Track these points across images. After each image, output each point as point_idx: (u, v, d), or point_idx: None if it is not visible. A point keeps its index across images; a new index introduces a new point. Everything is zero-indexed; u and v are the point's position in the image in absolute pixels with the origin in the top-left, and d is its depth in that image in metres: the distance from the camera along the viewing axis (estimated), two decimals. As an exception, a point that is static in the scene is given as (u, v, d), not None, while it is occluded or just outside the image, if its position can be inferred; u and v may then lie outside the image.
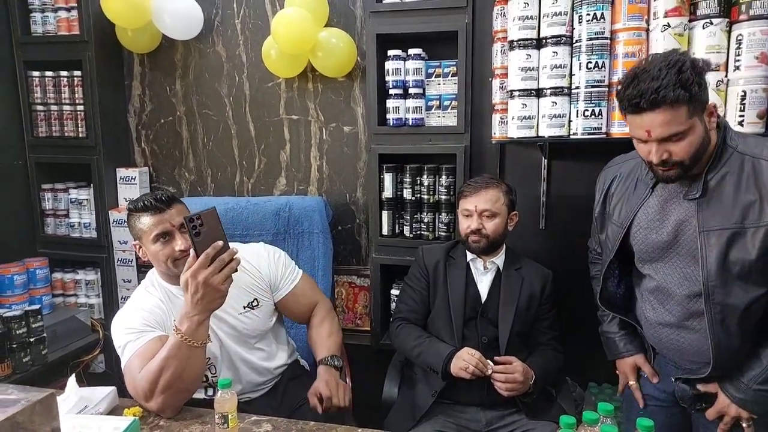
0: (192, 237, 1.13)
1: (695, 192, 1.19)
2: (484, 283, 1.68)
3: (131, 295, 1.49)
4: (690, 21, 1.55)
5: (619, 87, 1.15)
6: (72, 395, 1.23)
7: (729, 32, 1.52)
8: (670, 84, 1.05)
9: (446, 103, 1.97)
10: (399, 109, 1.96)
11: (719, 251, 1.16)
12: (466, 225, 1.65)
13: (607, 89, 1.63)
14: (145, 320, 1.35)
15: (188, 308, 1.19)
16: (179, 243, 1.36)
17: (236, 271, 1.20)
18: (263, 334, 1.57)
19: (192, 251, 1.16)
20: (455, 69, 1.93)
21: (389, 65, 1.94)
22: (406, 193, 2.02)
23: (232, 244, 1.25)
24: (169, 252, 1.36)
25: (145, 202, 1.38)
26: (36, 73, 2.32)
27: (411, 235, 2.04)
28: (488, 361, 1.52)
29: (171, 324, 1.35)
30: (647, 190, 1.29)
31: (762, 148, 1.15)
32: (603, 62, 1.61)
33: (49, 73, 2.31)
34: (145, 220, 1.37)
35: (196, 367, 1.24)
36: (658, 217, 1.27)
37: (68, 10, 2.25)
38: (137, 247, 1.43)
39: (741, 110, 1.49)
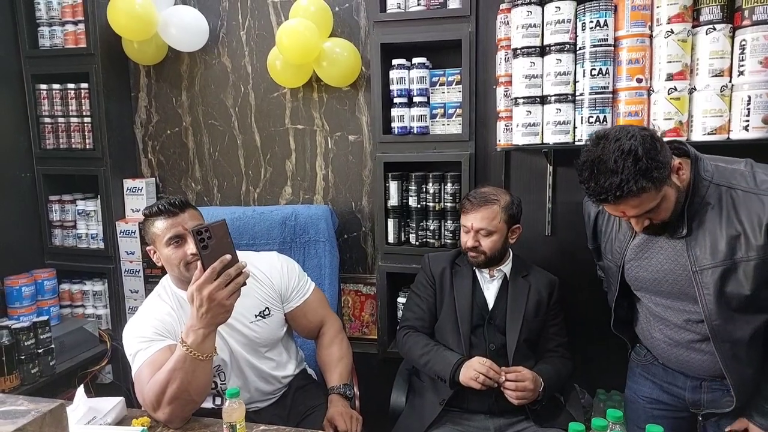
0: (199, 249, 1.11)
1: (682, 231, 1.21)
2: (491, 291, 1.68)
3: (144, 302, 1.49)
4: (693, 27, 1.55)
5: (579, 175, 1.17)
6: (81, 406, 1.24)
7: (732, 38, 1.52)
8: (630, 177, 1.07)
9: (451, 111, 1.98)
10: (404, 117, 1.97)
11: (716, 289, 1.17)
12: (464, 240, 1.66)
13: (611, 96, 1.63)
14: (155, 329, 1.36)
15: (194, 321, 1.18)
16: (191, 247, 1.35)
17: (245, 284, 1.19)
18: (274, 344, 1.57)
19: (199, 263, 1.15)
20: (459, 77, 1.94)
21: (393, 74, 1.95)
22: (412, 201, 2.03)
23: (242, 254, 1.23)
24: (182, 255, 1.37)
25: (159, 206, 1.40)
26: (43, 86, 2.34)
27: (417, 243, 2.04)
28: (500, 368, 1.51)
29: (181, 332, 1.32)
30: (631, 230, 1.33)
31: (734, 175, 1.18)
32: (607, 69, 1.61)
33: (56, 86, 2.34)
34: (159, 224, 1.39)
35: (202, 380, 1.23)
36: (645, 255, 1.30)
37: (75, 23, 2.28)
38: (152, 252, 1.44)
39: (746, 115, 1.49)
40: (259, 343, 1.51)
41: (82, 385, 1.33)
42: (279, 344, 1.59)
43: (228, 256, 1.11)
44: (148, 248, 1.45)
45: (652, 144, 1.10)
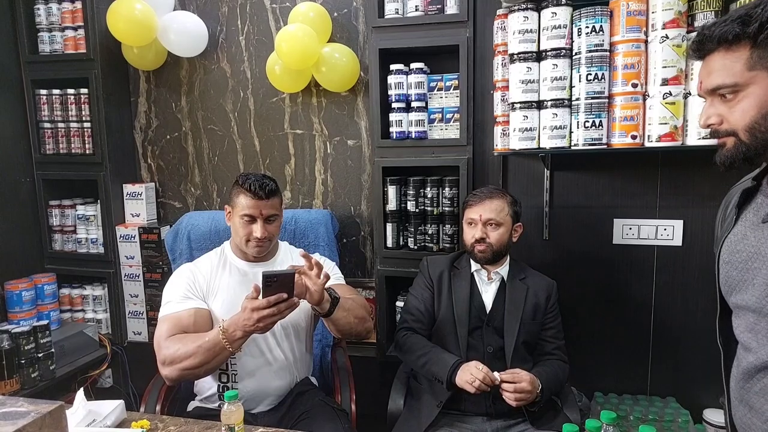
0: (264, 288, 1.31)
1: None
2: (488, 293, 1.69)
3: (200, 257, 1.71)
4: (688, 32, 1.57)
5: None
6: (80, 408, 1.24)
7: (726, 43, 1.53)
8: (732, 18, 0.84)
9: (448, 115, 2.00)
10: (402, 122, 1.98)
11: None
12: (470, 234, 1.66)
13: (607, 100, 1.64)
14: (189, 288, 1.55)
15: (237, 325, 1.35)
16: (258, 230, 1.54)
17: (283, 317, 1.37)
18: (296, 329, 1.65)
19: (261, 288, 1.33)
20: (457, 82, 1.96)
21: (392, 79, 1.97)
22: (410, 206, 2.04)
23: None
24: (248, 232, 1.56)
25: (252, 185, 1.54)
26: (43, 91, 2.36)
27: (415, 247, 2.05)
28: (495, 374, 1.51)
29: (210, 289, 1.58)
30: (732, 213, 1.00)
31: None
32: (602, 74, 1.63)
33: (56, 91, 2.35)
34: (242, 199, 1.55)
35: (216, 364, 1.41)
36: (739, 247, 0.95)
37: (75, 29, 2.29)
38: (228, 212, 1.62)
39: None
40: (283, 323, 1.55)
41: (81, 389, 1.34)
42: (300, 335, 1.67)
43: (284, 295, 1.32)
44: (226, 206, 1.64)
45: None
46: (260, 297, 1.33)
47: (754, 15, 0.81)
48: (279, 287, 1.31)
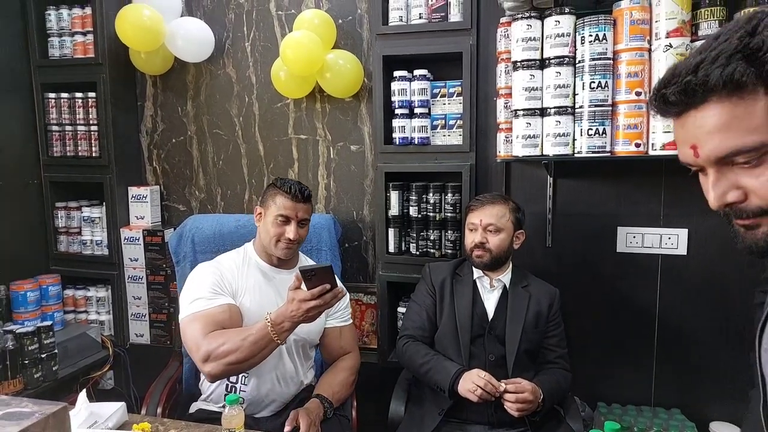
0: (305, 281, 1.35)
1: None
2: (491, 301, 1.69)
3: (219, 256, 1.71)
4: (692, 41, 1.57)
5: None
6: (83, 410, 1.25)
7: (730, 52, 1.53)
8: (722, 54, 0.62)
9: (451, 122, 2.00)
10: (405, 128, 1.99)
11: None
12: (470, 239, 1.67)
13: (610, 108, 1.65)
14: (217, 284, 1.55)
15: (285, 317, 1.37)
16: (291, 231, 1.58)
17: (330, 307, 1.41)
18: (309, 343, 1.70)
19: (302, 284, 1.36)
20: (460, 89, 1.97)
21: (395, 86, 1.98)
22: (413, 211, 2.04)
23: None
24: (280, 232, 1.59)
25: (291, 187, 1.60)
26: (52, 95, 2.39)
27: (417, 253, 2.06)
28: (499, 382, 1.51)
29: (239, 287, 1.59)
30: None
31: None
32: (606, 82, 1.63)
33: (64, 95, 2.38)
34: (281, 200, 1.60)
35: (261, 358, 1.42)
36: None
37: (84, 34, 2.32)
38: (258, 212, 1.66)
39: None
40: (296, 338, 1.60)
41: (84, 390, 1.34)
42: (308, 351, 1.73)
43: (327, 286, 1.35)
44: (257, 207, 1.68)
45: None
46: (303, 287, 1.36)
47: (764, 46, 0.58)
48: (319, 280, 1.34)
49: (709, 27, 1.55)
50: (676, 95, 0.64)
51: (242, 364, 1.39)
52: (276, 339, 1.38)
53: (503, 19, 1.80)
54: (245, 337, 1.38)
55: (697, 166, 0.67)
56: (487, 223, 1.63)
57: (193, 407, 1.67)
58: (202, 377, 1.69)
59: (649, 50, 1.61)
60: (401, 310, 2.09)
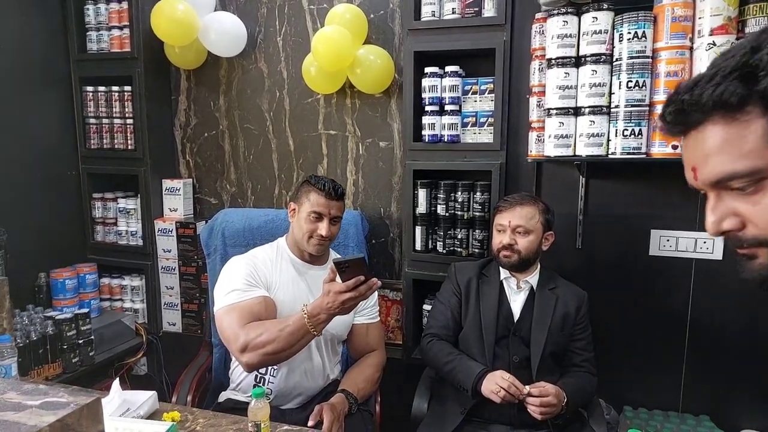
0: (340, 273, 1.36)
1: None
2: (517, 302, 1.67)
3: (253, 250, 1.74)
4: (737, 39, 1.51)
5: None
6: (116, 398, 1.29)
7: (778, 51, 1.46)
8: (720, 74, 0.59)
9: (482, 120, 1.98)
10: (435, 125, 1.97)
11: None
12: (498, 240, 1.65)
13: (648, 108, 1.60)
14: (251, 276, 1.58)
15: (321, 309, 1.39)
16: (323, 228, 1.61)
17: (366, 298, 1.42)
18: (338, 339, 1.73)
19: (337, 276, 1.38)
20: (492, 86, 1.94)
21: (426, 82, 1.96)
22: (440, 209, 2.03)
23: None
24: (313, 228, 1.61)
25: (326, 185, 1.63)
26: (90, 88, 2.45)
27: (444, 251, 2.04)
28: (524, 385, 1.50)
29: (273, 280, 1.62)
30: None
31: None
32: (644, 81, 1.58)
33: (101, 89, 2.44)
34: (315, 197, 1.62)
35: (298, 348, 1.45)
36: None
37: (121, 28, 2.37)
38: (292, 208, 1.69)
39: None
40: (325, 333, 1.60)
41: (117, 378, 1.39)
42: (338, 345, 1.77)
43: (362, 277, 1.36)
44: (291, 203, 1.71)
45: None
46: (337, 280, 1.38)
47: (761, 64, 0.53)
48: (353, 272, 1.35)
49: (757, 23, 1.48)
50: (672, 115, 0.62)
51: (279, 354, 1.42)
52: (312, 330, 1.40)
53: (539, 15, 1.76)
54: (282, 329, 1.40)
55: (698, 189, 0.64)
56: (516, 225, 1.61)
57: (222, 396, 1.72)
58: (232, 367, 1.73)
59: (691, 48, 1.56)
60: (426, 307, 2.09)
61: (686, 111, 0.60)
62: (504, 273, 1.70)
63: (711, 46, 1.50)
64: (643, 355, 1.93)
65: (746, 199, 0.59)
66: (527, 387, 1.49)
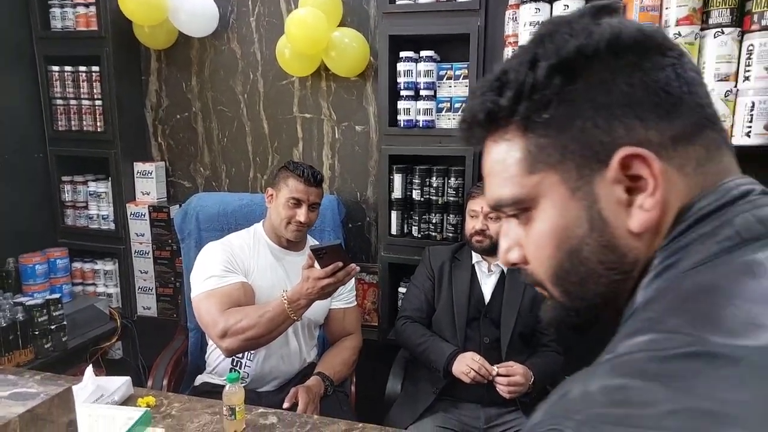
0: (318, 260, 1.38)
1: None
2: (488, 285, 1.71)
3: (228, 236, 1.73)
4: (701, 30, 1.54)
5: None
6: (89, 384, 1.29)
7: (741, 42, 1.51)
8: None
9: (457, 105, 1.99)
10: (410, 110, 1.98)
11: None
12: (471, 225, 1.69)
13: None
14: (229, 262, 1.58)
15: (301, 295, 1.40)
16: (302, 215, 1.61)
17: (344, 284, 1.44)
18: (314, 324, 1.76)
19: (316, 263, 1.39)
20: (467, 71, 1.95)
21: (401, 67, 1.96)
22: (416, 194, 2.05)
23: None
24: (291, 215, 1.62)
25: (304, 171, 1.62)
26: (55, 68, 2.37)
27: (419, 236, 2.07)
28: (492, 366, 1.55)
29: (250, 266, 1.62)
30: None
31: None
32: (613, 69, 1.61)
33: (68, 68, 2.36)
34: (293, 183, 1.62)
35: (277, 334, 1.47)
36: None
37: (86, 6, 2.28)
38: (269, 194, 1.68)
39: (749, 121, 1.49)
40: (303, 318, 1.61)
41: (90, 365, 1.39)
42: (314, 331, 1.80)
43: (340, 264, 1.38)
44: (268, 189, 1.70)
45: None
46: (315, 266, 1.39)
47: (509, 79, 0.47)
48: (331, 258, 1.36)
49: (720, 15, 1.52)
50: (462, 127, 0.53)
51: (259, 339, 1.44)
52: (292, 316, 1.42)
53: (512, 2, 1.77)
54: (262, 314, 1.42)
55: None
56: (488, 211, 1.64)
57: (198, 380, 1.73)
58: (208, 351, 1.74)
59: (659, 37, 1.58)
60: (402, 290, 2.12)
61: (464, 123, 0.52)
62: (476, 257, 1.74)
63: (677, 36, 1.53)
64: (613, 333, 2.00)
65: (524, 230, 0.51)
66: (496, 367, 1.54)
